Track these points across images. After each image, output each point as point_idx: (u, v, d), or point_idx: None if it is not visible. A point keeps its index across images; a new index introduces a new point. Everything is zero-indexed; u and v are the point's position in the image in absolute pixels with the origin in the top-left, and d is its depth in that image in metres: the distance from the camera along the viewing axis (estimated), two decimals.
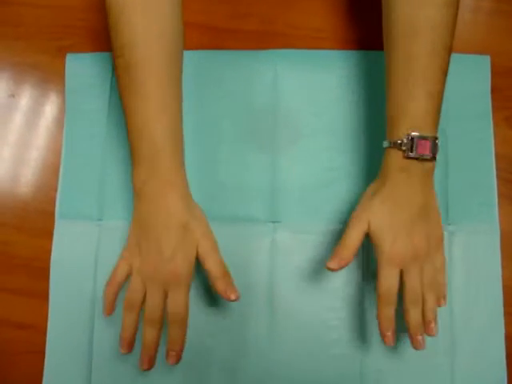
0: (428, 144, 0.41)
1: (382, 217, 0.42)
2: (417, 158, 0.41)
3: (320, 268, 0.51)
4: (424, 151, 0.41)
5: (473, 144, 0.52)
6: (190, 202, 0.44)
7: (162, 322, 0.43)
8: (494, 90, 0.53)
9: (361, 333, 0.50)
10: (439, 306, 0.44)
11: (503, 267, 0.50)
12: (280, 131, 0.53)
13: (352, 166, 0.52)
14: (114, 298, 0.45)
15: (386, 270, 0.41)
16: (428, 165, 0.42)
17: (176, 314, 0.42)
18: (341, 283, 0.50)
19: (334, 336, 0.50)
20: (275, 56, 0.54)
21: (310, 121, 0.53)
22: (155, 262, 0.42)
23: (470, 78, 0.52)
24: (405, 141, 0.41)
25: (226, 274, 0.44)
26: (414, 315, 0.42)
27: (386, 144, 0.43)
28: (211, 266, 0.43)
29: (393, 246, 0.41)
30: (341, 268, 0.42)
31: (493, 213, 0.51)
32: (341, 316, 0.50)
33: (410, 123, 0.41)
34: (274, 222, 0.51)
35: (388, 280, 0.41)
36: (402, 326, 0.46)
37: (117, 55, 0.43)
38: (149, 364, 0.43)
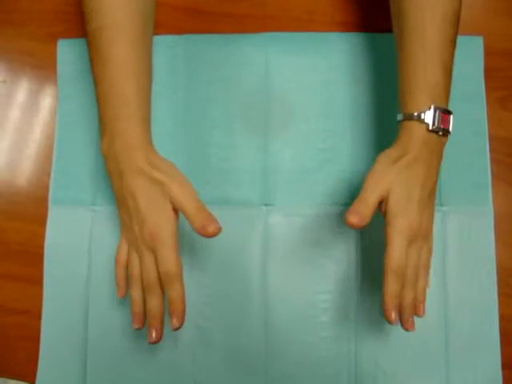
0: (448, 118, 0.41)
1: (402, 189, 0.40)
2: (436, 132, 0.40)
3: (313, 250, 0.51)
4: (446, 125, 0.40)
5: (466, 125, 0.52)
6: (156, 158, 0.42)
7: (161, 286, 0.42)
8: (487, 70, 0.53)
9: (353, 315, 0.50)
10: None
11: (497, 248, 0.50)
12: (272, 114, 0.53)
13: (344, 148, 0.52)
14: (122, 280, 0.44)
15: (398, 241, 0.39)
16: (444, 140, 0.42)
17: (167, 271, 0.40)
18: (333, 266, 0.50)
19: (325, 318, 0.50)
20: (267, 39, 0.54)
21: (302, 103, 0.53)
22: (135, 227, 0.41)
23: (463, 59, 0.52)
24: (428, 113, 0.40)
25: (201, 208, 0.41)
26: (407, 296, 0.41)
27: (400, 117, 0.42)
28: (186, 207, 0.40)
29: (405, 220, 0.39)
30: (361, 226, 0.38)
31: (486, 194, 0.51)
32: (333, 298, 0.50)
33: (431, 95, 0.40)
34: (266, 204, 0.51)
35: (400, 252, 0.39)
36: None
37: (86, 21, 0.42)
38: (157, 335, 0.41)
